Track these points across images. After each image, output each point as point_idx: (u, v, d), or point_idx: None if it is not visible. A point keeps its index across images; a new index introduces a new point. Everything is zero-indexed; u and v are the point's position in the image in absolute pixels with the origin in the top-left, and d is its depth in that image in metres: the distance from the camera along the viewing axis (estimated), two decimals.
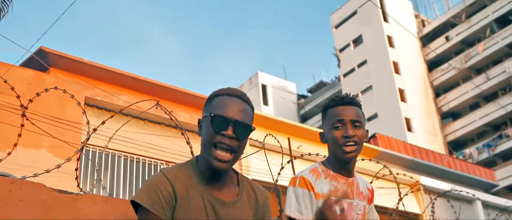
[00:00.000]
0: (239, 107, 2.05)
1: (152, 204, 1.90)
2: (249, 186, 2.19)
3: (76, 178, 4.00)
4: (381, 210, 11.33)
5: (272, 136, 4.77)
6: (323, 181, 2.52)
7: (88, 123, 4.36)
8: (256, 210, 2.15)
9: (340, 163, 2.58)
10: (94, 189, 9.59)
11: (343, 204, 2.39)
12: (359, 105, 2.65)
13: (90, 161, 9.93)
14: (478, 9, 44.33)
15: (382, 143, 22.10)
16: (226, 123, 1.99)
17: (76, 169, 3.90)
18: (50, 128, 7.80)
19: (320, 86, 54.89)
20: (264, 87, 51.63)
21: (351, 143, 2.52)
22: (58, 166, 3.77)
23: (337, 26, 50.11)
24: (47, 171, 3.62)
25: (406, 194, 5.44)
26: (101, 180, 6.01)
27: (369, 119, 42.53)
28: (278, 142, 4.72)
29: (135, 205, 1.96)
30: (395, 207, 5.35)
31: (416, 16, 48.91)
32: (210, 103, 2.09)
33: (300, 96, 55.76)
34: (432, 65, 46.64)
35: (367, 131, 2.64)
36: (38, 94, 4.35)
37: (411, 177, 6.45)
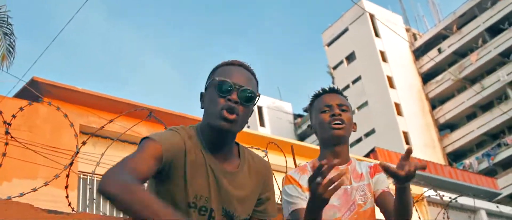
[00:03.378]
0: (243, 75, 2.07)
1: (161, 140, 1.89)
2: (249, 156, 2.19)
3: (67, 197, 3.82)
4: None
5: (274, 143, 4.71)
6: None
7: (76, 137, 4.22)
8: (257, 180, 2.15)
9: (329, 149, 2.58)
10: (87, 208, 9.45)
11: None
12: (344, 96, 2.71)
13: (88, 189, 9.72)
14: (468, 20, 44.47)
15: (382, 156, 21.89)
16: (230, 87, 2.00)
17: (66, 187, 3.74)
18: (46, 158, 7.64)
19: None
20: (259, 109, 51.47)
21: (338, 121, 2.55)
22: (46, 184, 3.62)
23: (329, 44, 50.24)
24: (34, 190, 3.47)
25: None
26: (94, 199, 5.81)
27: (367, 135, 42.47)
28: (281, 150, 4.59)
29: None
30: None
31: (407, 30, 49.06)
32: (214, 73, 2.11)
33: (297, 116, 55.51)
34: (427, 78, 46.69)
35: (355, 124, 2.67)
36: (21, 108, 4.33)
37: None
